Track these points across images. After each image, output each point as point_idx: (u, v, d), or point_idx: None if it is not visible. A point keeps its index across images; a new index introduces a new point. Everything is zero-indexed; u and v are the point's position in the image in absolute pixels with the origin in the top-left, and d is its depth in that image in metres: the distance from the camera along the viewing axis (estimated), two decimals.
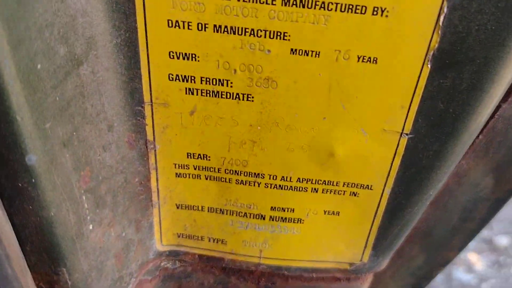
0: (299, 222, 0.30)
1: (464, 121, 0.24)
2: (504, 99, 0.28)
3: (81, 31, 0.21)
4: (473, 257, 1.71)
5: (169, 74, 0.24)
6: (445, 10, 0.21)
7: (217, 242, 0.31)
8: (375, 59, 0.23)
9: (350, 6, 0.21)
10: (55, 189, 0.22)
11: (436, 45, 0.22)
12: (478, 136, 0.29)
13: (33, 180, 0.20)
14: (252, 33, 0.22)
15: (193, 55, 0.23)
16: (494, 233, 1.81)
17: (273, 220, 0.30)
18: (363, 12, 0.21)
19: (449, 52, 0.22)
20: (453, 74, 0.23)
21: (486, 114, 0.25)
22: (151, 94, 0.25)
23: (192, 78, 0.24)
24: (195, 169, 0.28)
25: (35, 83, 0.19)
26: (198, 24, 0.22)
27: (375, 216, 0.29)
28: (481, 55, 0.22)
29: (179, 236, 0.32)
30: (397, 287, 0.38)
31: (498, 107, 0.28)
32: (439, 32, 0.21)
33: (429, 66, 0.22)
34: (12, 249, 0.21)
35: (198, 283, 0.34)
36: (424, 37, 0.22)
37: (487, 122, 0.29)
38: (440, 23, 0.21)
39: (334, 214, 0.29)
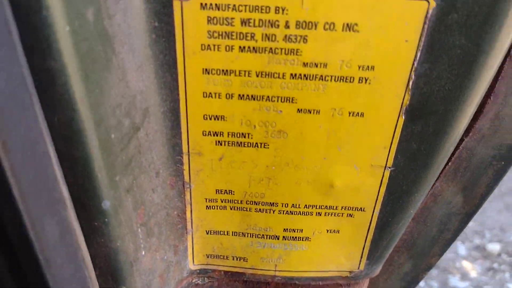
0: (307, 240, 0.37)
1: (433, 156, 0.31)
2: (466, 134, 0.35)
3: (139, 105, 0.28)
4: (468, 265, 1.78)
5: (203, 131, 0.31)
6: (413, 77, 0.28)
7: (239, 260, 0.38)
8: (362, 113, 0.30)
9: (342, 77, 0.28)
10: (121, 225, 0.28)
11: (408, 102, 0.29)
12: (447, 163, 0.37)
13: (106, 220, 0.27)
14: (267, 99, 0.29)
15: (222, 116, 0.30)
16: (486, 241, 1.88)
17: (285, 239, 0.37)
18: (351, 81, 0.28)
19: (417, 107, 0.29)
20: (422, 122, 0.30)
21: (450, 149, 0.32)
22: (188, 146, 0.32)
23: (221, 133, 0.31)
24: (222, 201, 0.35)
25: (109, 149, 0.26)
26: (226, 94, 0.29)
27: (368, 232, 0.36)
28: (442, 108, 0.29)
29: (208, 257, 0.38)
30: None
31: (461, 141, 0.35)
32: (409, 93, 0.29)
33: (403, 117, 0.30)
34: (92, 275, 0.28)
35: None
36: (399, 97, 0.29)
37: (454, 152, 0.36)
38: (410, 87, 0.28)
39: (335, 232, 0.36)
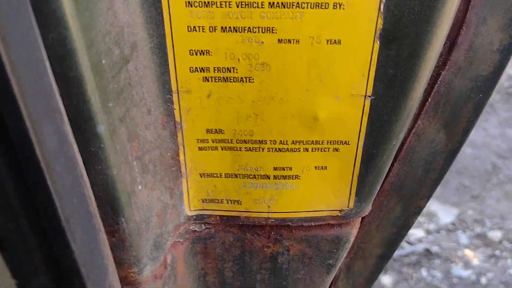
0: (296, 178, 0.38)
1: (409, 82, 0.33)
2: (442, 67, 0.37)
3: (127, 38, 0.30)
4: (470, 254, 1.80)
5: (190, 67, 0.33)
6: (383, 0, 0.30)
7: (233, 203, 0.39)
8: (339, 40, 0.31)
9: (317, 4, 0.30)
10: (116, 153, 0.30)
11: (381, 26, 0.31)
12: (427, 99, 0.38)
13: (102, 145, 0.28)
14: (249, 30, 0.31)
15: (207, 51, 0.32)
16: (487, 229, 1.89)
17: (276, 178, 0.38)
18: (326, 7, 0.30)
19: (390, 30, 0.31)
20: (396, 47, 0.31)
21: (425, 75, 0.33)
22: (177, 84, 0.33)
23: (207, 68, 0.33)
24: (213, 142, 0.36)
25: (101, 73, 0.27)
26: (209, 27, 0.31)
27: (354, 167, 0.37)
28: (414, 30, 0.31)
29: (203, 201, 0.39)
30: (382, 237, 0.46)
31: (439, 74, 0.37)
32: (382, 16, 0.30)
33: (378, 42, 0.31)
34: (93, 206, 0.29)
35: (220, 242, 0.42)
36: (372, 21, 0.31)
37: (432, 87, 0.37)
38: (381, 10, 0.30)
39: (323, 168, 0.38)
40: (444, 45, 0.35)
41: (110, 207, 0.31)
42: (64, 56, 0.25)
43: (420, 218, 1.88)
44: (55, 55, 0.25)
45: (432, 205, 1.97)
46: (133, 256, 0.33)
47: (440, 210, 1.97)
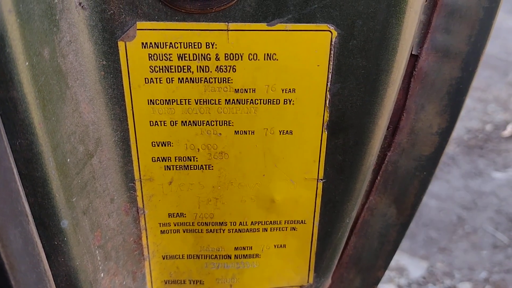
0: (256, 256, 0.39)
1: (357, 166, 0.36)
2: (388, 149, 0.40)
3: (92, 134, 0.31)
4: None
5: (152, 157, 0.35)
6: (329, 96, 0.33)
7: (196, 283, 0.40)
8: (290, 131, 0.34)
9: (269, 100, 0.33)
10: (79, 245, 0.31)
11: (328, 119, 0.34)
12: (377, 177, 0.41)
13: (65, 239, 0.30)
14: (207, 123, 0.34)
15: (169, 142, 0.34)
16: (457, 281, 1.91)
17: (237, 258, 0.39)
18: (278, 103, 0.33)
19: (336, 122, 0.34)
20: (342, 136, 0.34)
21: (371, 159, 0.36)
22: (140, 173, 0.35)
23: (169, 158, 0.35)
24: (175, 225, 0.38)
25: (66, 171, 0.29)
26: (170, 121, 0.33)
27: (311, 244, 0.39)
28: (357, 122, 0.34)
29: (166, 283, 0.40)
30: None
31: (385, 155, 0.40)
32: (328, 110, 0.33)
33: (326, 132, 0.34)
34: None
35: None
36: (319, 114, 0.34)
37: (380, 166, 0.40)
38: (327, 105, 0.33)
39: (282, 247, 0.39)
40: (388, 129, 0.38)
41: None
42: (31, 159, 0.27)
43: (391, 273, 1.89)
44: (22, 158, 0.26)
45: (402, 259, 1.98)
46: None
47: (409, 264, 1.99)
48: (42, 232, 0.29)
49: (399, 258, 1.99)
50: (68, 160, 0.29)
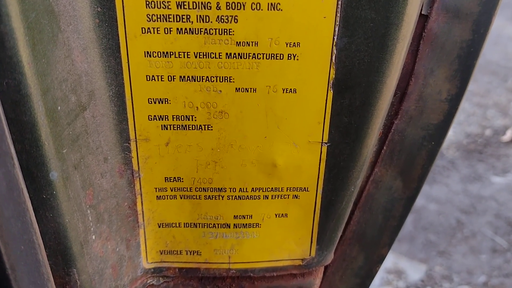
0: (257, 226, 0.38)
1: (363, 129, 0.34)
2: (395, 116, 0.38)
3: (85, 86, 0.30)
4: None
5: (149, 115, 0.33)
6: (335, 51, 0.31)
7: (193, 254, 0.39)
8: (294, 89, 0.33)
9: (272, 55, 0.31)
10: (69, 200, 0.29)
11: (334, 76, 0.32)
12: (383, 147, 0.39)
13: (54, 192, 0.28)
14: (207, 79, 0.32)
15: (166, 99, 0.33)
16: (455, 284, 1.90)
17: (236, 227, 0.38)
18: (281, 58, 0.31)
19: (343, 80, 0.32)
20: (349, 95, 0.33)
21: (378, 122, 0.35)
22: (135, 132, 0.33)
23: (166, 116, 0.33)
24: (171, 190, 0.36)
25: (56, 119, 0.27)
26: (168, 76, 0.32)
27: (314, 213, 0.37)
28: (364, 80, 0.32)
29: (161, 253, 0.38)
30: None
31: (392, 123, 0.38)
32: (334, 67, 0.32)
33: (331, 91, 0.33)
34: (42, 254, 0.28)
35: None
36: (325, 71, 0.32)
37: (387, 136, 0.39)
38: (333, 61, 0.32)
39: (283, 216, 0.38)
40: (395, 95, 0.37)
41: (61, 257, 0.30)
42: (19, 101, 0.25)
43: (389, 276, 1.87)
44: (9, 100, 0.25)
45: (400, 262, 1.96)
46: None
47: (408, 267, 1.97)
48: (29, 184, 0.27)
49: (398, 261, 1.97)
50: (59, 108, 0.27)
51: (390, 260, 1.88)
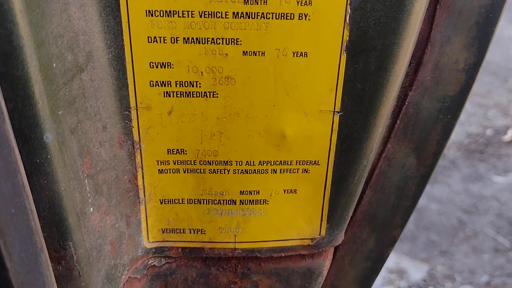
0: (264, 203, 0.36)
1: (378, 96, 0.32)
2: (409, 88, 0.36)
3: (82, 45, 0.28)
4: None
5: (150, 81, 0.31)
6: (349, 11, 0.29)
7: (197, 232, 0.36)
8: (305, 53, 0.31)
9: (282, 14, 0.29)
10: (65, 167, 0.27)
11: (347, 38, 0.30)
12: (396, 122, 0.37)
13: (49, 156, 0.26)
14: (212, 41, 0.30)
15: (169, 63, 0.31)
16: (457, 284, 1.88)
17: (242, 203, 0.36)
18: (292, 17, 0.29)
19: (357, 42, 0.30)
20: (363, 59, 0.31)
21: (394, 90, 0.33)
22: (136, 99, 0.31)
23: (169, 82, 0.31)
24: (174, 164, 0.34)
25: (51, 77, 0.25)
26: (171, 38, 0.30)
27: (324, 189, 0.35)
28: (380, 42, 0.30)
29: (163, 232, 0.36)
30: (356, 273, 0.44)
31: (406, 95, 0.36)
32: (348, 28, 0.30)
33: (345, 54, 0.31)
34: (35, 222, 0.26)
35: (182, 279, 0.38)
36: (338, 33, 0.30)
37: (400, 109, 0.37)
38: (347, 21, 0.30)
39: (292, 192, 0.36)
40: (410, 64, 0.35)
41: (57, 229, 0.28)
42: (10, 53, 0.23)
43: (391, 275, 1.85)
44: (0, 52, 0.23)
45: (402, 261, 1.95)
46: None
47: (410, 267, 1.95)
48: (22, 147, 0.25)
49: (399, 260, 1.95)
50: (54, 65, 0.25)
51: (392, 260, 1.86)
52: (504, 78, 3.17)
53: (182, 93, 0.31)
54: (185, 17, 0.29)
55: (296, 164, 0.34)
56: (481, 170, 2.51)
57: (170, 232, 0.36)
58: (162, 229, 0.36)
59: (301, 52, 0.30)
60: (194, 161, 0.34)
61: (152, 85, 0.31)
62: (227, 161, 0.34)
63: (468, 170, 2.49)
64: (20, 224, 0.23)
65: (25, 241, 0.23)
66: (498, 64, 3.17)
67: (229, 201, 0.35)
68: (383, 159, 0.39)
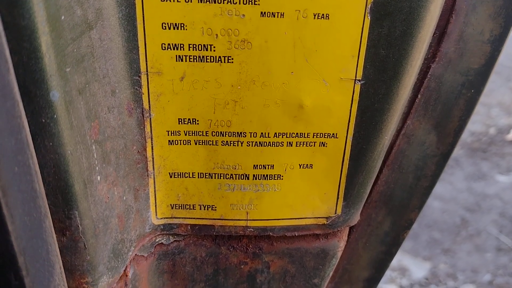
0: (278, 178, 0.34)
1: (402, 64, 0.30)
2: (432, 60, 0.34)
3: (92, 1, 0.26)
4: None
5: (162, 44, 0.29)
6: None
7: (207, 208, 0.35)
8: (327, 15, 0.29)
9: None
10: (72, 129, 0.25)
11: (372, 0, 0.28)
12: (417, 96, 0.36)
13: (55, 116, 0.24)
14: (229, 1, 0.28)
15: (182, 25, 0.29)
16: (460, 283, 1.87)
17: (256, 178, 0.34)
18: None
19: (382, 4, 0.29)
20: (388, 23, 0.29)
21: (419, 58, 0.31)
22: (146, 64, 0.30)
23: (181, 45, 0.29)
24: (185, 134, 0.32)
25: (59, 30, 0.24)
26: None
27: (342, 164, 0.34)
28: (406, 4, 0.29)
29: (172, 208, 0.35)
30: (370, 257, 0.42)
31: (428, 68, 0.35)
32: None
33: (369, 17, 0.29)
34: (39, 185, 0.24)
35: (191, 258, 0.37)
36: None
37: (422, 82, 0.35)
38: None
39: (308, 167, 0.34)
40: (434, 35, 0.33)
41: (62, 197, 0.26)
42: (17, 1, 0.21)
43: (393, 273, 1.83)
44: (5, 0, 0.21)
45: (404, 259, 1.93)
46: (87, 262, 0.28)
47: (412, 265, 1.94)
48: (26, 105, 0.23)
49: (401, 258, 1.94)
50: (63, 17, 0.24)
51: (394, 258, 1.85)
52: (507, 77, 3.16)
53: (195, 57, 0.30)
54: None
55: (313, 137, 0.33)
56: (484, 169, 2.49)
57: (179, 208, 0.35)
58: (171, 204, 0.34)
59: (323, 14, 0.29)
60: (206, 132, 0.32)
61: (164, 48, 0.29)
62: (240, 133, 0.32)
63: (471, 169, 2.48)
64: (24, 184, 0.21)
65: (28, 204, 0.22)
66: (501, 63, 3.15)
67: (242, 176, 0.34)
68: (401, 136, 0.37)
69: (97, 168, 0.28)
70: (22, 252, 0.21)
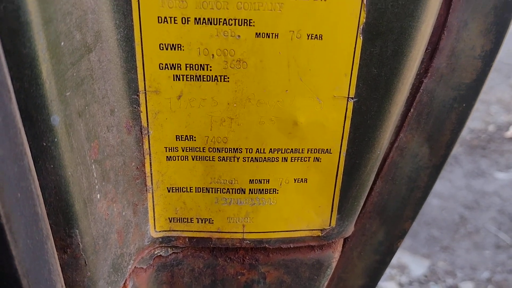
0: (274, 192, 0.35)
1: (394, 82, 0.31)
2: (424, 75, 0.35)
3: (91, 24, 0.27)
4: None
5: (159, 63, 0.30)
6: None
7: (204, 222, 0.35)
8: (320, 35, 0.29)
9: None
10: (73, 151, 0.26)
11: (364, 20, 0.29)
12: (410, 110, 0.36)
13: (56, 140, 0.25)
14: (225, 22, 0.29)
15: (179, 45, 0.29)
16: (459, 280, 1.88)
17: (252, 192, 0.35)
18: None
19: (374, 25, 0.29)
20: (380, 43, 0.30)
21: (410, 76, 0.32)
22: (145, 83, 0.30)
23: (178, 65, 0.30)
24: (183, 150, 0.33)
25: (59, 56, 0.24)
26: (182, 18, 0.29)
27: (336, 178, 0.35)
28: (398, 25, 0.29)
29: (170, 221, 0.35)
30: (364, 266, 0.43)
31: (421, 83, 0.35)
32: (365, 9, 0.29)
33: (361, 37, 0.30)
34: (41, 208, 0.25)
35: (189, 270, 0.37)
36: (355, 15, 0.29)
37: (414, 97, 0.36)
38: (365, 3, 0.29)
39: (302, 181, 0.35)
40: (426, 51, 0.34)
41: (63, 216, 0.27)
42: (18, 30, 0.22)
43: (392, 271, 1.85)
44: (7, 28, 0.22)
45: (403, 257, 1.94)
46: (88, 278, 0.29)
47: (411, 262, 1.95)
48: (28, 130, 0.24)
49: (400, 256, 1.95)
50: (62, 43, 0.24)
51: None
52: (507, 74, 3.16)
53: (192, 76, 0.30)
54: None
55: (307, 152, 0.33)
56: (483, 166, 2.50)
57: (177, 222, 0.35)
58: (169, 218, 0.35)
59: (316, 35, 0.29)
60: (203, 148, 0.33)
61: (161, 68, 0.30)
62: (237, 149, 0.33)
63: (470, 166, 2.49)
64: (26, 209, 0.22)
65: (31, 227, 0.22)
66: (500, 60, 3.15)
67: (238, 190, 0.34)
68: (395, 149, 0.38)
69: (97, 186, 0.29)
70: (25, 274, 0.22)
